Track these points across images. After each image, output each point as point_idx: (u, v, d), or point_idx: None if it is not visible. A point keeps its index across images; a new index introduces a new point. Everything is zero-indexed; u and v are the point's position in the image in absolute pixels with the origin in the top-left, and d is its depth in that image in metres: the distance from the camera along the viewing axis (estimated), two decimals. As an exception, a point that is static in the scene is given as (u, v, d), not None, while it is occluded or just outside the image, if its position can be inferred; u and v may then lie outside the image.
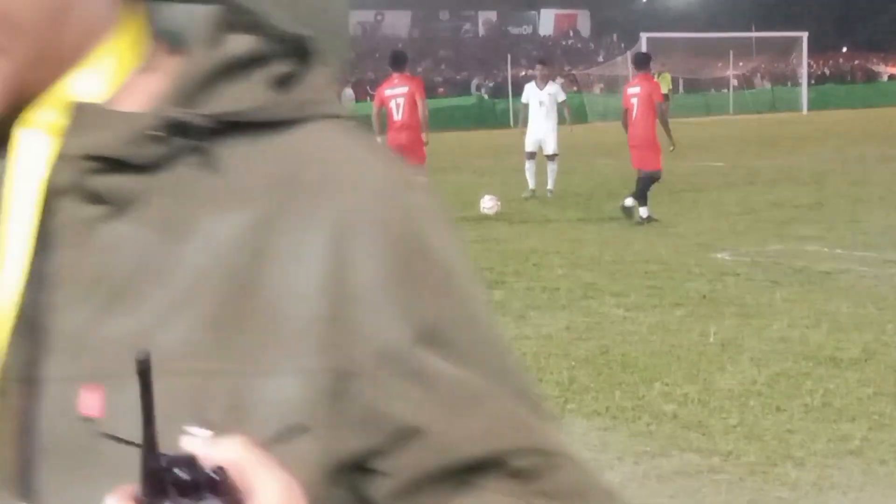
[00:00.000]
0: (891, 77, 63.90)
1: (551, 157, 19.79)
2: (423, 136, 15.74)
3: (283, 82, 0.91)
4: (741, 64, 58.93)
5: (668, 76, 49.49)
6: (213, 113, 0.87)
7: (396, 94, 15.67)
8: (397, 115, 15.60)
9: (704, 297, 10.15)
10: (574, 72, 53.53)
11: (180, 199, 0.87)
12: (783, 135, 35.00)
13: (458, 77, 56.11)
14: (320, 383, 0.85)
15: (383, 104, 15.74)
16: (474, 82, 53.54)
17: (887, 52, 68.87)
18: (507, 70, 49.09)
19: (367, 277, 0.86)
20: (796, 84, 54.73)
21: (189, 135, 0.87)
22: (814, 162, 24.52)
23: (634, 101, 15.96)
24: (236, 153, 0.88)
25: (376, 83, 50.45)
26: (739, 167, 23.81)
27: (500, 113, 46.84)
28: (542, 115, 19.89)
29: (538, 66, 21.58)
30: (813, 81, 56.12)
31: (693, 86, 55.56)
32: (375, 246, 0.87)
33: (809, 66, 54.36)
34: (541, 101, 19.94)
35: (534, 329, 9.02)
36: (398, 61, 16.17)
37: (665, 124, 16.10)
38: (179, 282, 0.85)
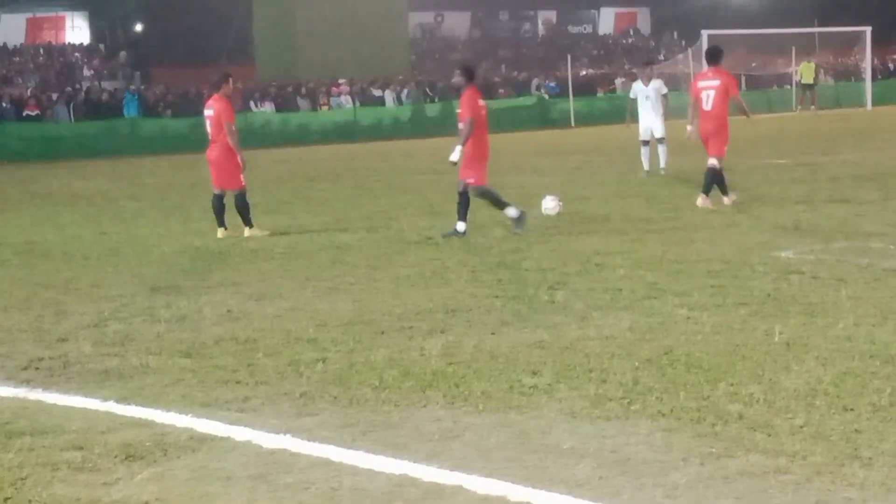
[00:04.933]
0: (956, 71, 62.90)
1: (660, 140, 22.82)
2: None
3: None
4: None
5: (812, 65, 49.14)
6: None
7: (708, 86, 17.02)
8: (707, 106, 16.89)
9: (769, 295, 10.07)
10: (635, 70, 53.26)
11: None
12: (847, 131, 34.63)
13: (518, 77, 55.86)
14: None
15: (696, 95, 17.08)
16: (535, 82, 53.30)
17: (953, 45, 67.86)
18: (567, 69, 48.86)
19: None
20: (860, 79, 54.05)
21: None
22: (878, 158, 24.23)
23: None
24: None
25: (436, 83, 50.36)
26: (803, 164, 23.59)
27: (560, 113, 46.64)
28: (649, 108, 22.98)
29: (643, 67, 25.20)
30: (878, 77, 55.39)
31: (755, 83, 55.01)
32: None
33: (873, 60, 53.60)
34: (647, 95, 23.05)
35: (596, 330, 8.98)
36: (713, 56, 17.61)
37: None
38: None
